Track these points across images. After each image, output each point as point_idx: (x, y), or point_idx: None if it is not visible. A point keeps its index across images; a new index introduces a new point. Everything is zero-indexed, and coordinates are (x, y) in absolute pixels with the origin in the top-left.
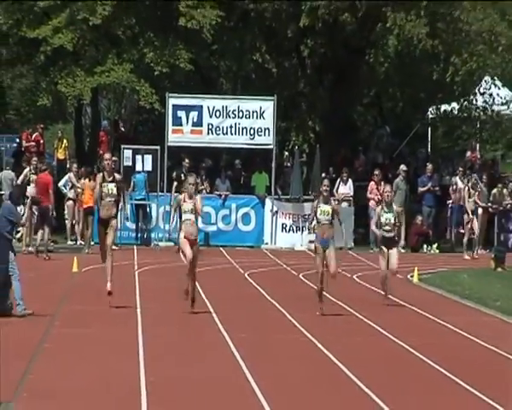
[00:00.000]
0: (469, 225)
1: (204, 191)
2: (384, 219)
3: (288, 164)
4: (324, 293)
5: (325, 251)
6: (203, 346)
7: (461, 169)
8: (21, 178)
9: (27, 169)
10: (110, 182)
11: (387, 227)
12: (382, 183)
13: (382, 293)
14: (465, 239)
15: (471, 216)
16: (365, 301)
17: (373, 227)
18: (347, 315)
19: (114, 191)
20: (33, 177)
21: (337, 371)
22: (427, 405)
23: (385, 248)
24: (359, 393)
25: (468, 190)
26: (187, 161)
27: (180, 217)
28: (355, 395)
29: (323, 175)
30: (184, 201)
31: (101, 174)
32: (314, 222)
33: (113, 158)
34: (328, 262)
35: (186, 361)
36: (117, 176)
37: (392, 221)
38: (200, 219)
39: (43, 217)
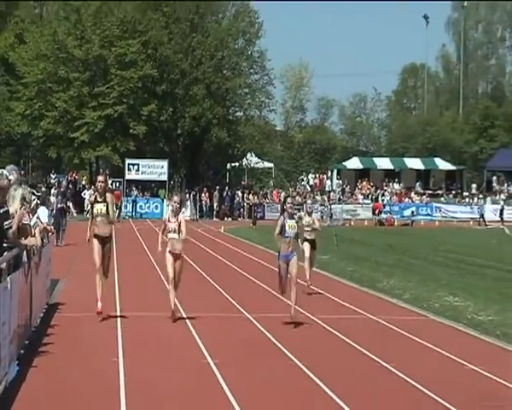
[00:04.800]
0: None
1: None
2: (305, 222)
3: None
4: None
5: (288, 262)
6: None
7: (242, 189)
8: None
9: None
10: (101, 202)
11: (308, 228)
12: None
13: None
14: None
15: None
16: (208, 238)
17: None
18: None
19: (104, 211)
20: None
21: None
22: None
23: (307, 245)
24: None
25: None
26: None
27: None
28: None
29: (287, 195)
30: (169, 220)
31: (94, 195)
32: (279, 235)
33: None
34: (290, 270)
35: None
36: (108, 196)
37: (311, 224)
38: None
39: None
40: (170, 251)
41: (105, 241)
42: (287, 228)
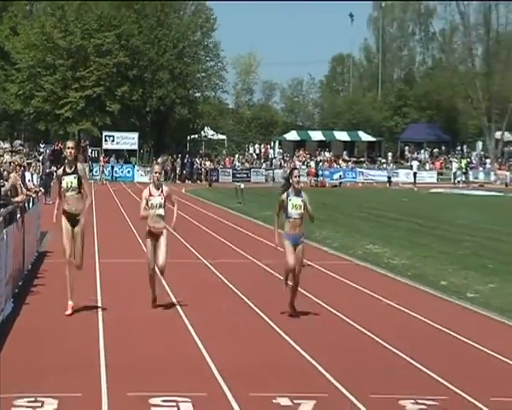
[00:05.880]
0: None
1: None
2: None
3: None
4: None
5: (295, 247)
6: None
7: (200, 157)
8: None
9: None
10: (70, 174)
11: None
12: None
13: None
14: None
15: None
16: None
17: None
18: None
19: (74, 183)
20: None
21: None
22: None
23: None
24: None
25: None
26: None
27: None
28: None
29: (292, 166)
30: (151, 194)
31: (62, 168)
32: (277, 219)
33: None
34: (297, 255)
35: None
36: (79, 166)
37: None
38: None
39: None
40: (151, 231)
41: (77, 219)
42: (289, 208)
